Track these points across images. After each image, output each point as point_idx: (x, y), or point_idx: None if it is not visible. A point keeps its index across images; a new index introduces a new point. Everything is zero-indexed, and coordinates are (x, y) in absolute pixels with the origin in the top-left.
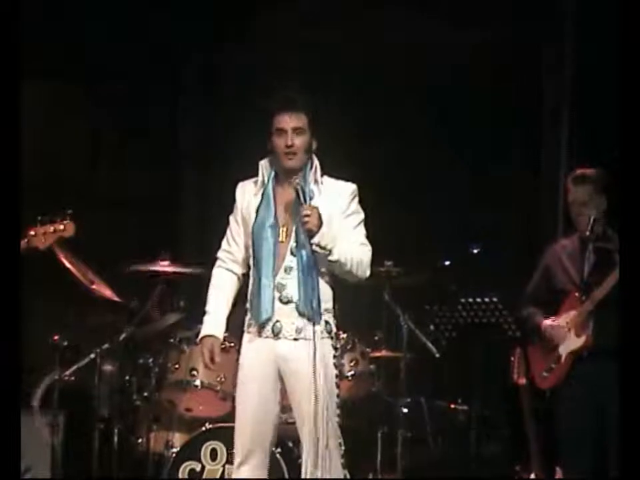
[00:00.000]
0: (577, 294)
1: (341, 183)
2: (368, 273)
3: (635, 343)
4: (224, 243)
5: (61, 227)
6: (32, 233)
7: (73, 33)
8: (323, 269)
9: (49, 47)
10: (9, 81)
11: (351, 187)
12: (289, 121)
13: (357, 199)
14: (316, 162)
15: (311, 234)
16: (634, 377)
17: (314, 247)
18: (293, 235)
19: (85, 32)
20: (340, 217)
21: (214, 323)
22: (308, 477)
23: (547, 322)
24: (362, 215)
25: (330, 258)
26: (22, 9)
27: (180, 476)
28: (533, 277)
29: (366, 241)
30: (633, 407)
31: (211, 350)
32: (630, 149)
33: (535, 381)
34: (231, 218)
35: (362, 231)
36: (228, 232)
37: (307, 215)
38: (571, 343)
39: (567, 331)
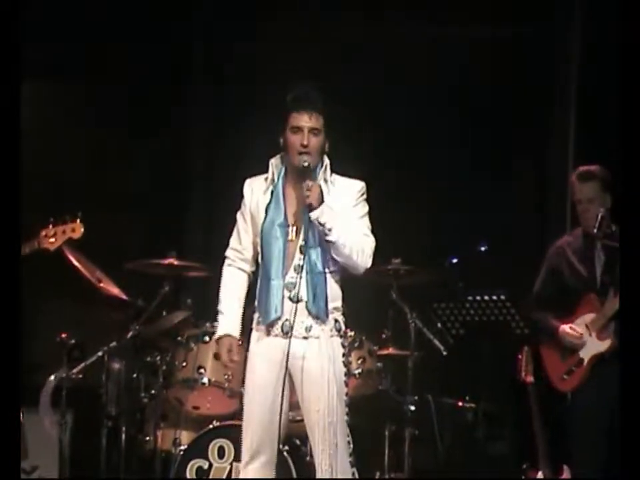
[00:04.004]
0: (592, 295)
1: (350, 180)
2: (369, 263)
3: (636, 345)
4: (232, 241)
5: (71, 228)
6: (43, 234)
7: (72, 33)
8: (332, 268)
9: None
10: (9, 81)
11: (359, 185)
12: (307, 121)
13: (364, 196)
14: (326, 161)
15: (311, 208)
16: (634, 379)
17: (312, 220)
18: (302, 233)
19: (84, 31)
20: (347, 210)
21: (230, 322)
22: (319, 475)
23: (564, 328)
24: (367, 208)
25: (328, 237)
26: (22, 9)
27: (187, 474)
28: (539, 276)
29: (369, 232)
30: (633, 409)
31: (230, 349)
32: (631, 148)
33: (554, 383)
34: (239, 215)
35: (366, 222)
36: (235, 229)
37: (308, 190)
38: (594, 347)
39: (587, 335)
